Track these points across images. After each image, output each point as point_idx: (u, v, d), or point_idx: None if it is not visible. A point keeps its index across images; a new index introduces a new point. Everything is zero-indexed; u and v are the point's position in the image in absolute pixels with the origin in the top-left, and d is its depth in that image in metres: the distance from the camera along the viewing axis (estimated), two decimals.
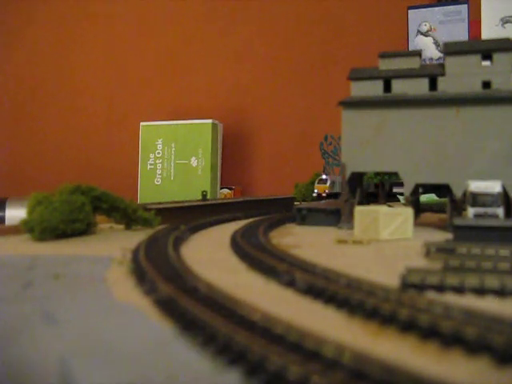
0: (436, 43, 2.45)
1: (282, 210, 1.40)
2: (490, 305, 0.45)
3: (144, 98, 3.29)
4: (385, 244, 0.86)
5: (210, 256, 0.73)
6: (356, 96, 1.10)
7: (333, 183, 1.62)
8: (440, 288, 0.50)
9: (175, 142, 2.81)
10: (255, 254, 0.65)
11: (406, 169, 1.05)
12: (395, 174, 1.14)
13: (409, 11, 2.50)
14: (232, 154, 3.07)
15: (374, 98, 1.08)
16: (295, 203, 1.71)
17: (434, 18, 2.46)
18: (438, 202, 1.69)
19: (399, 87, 1.07)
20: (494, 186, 0.88)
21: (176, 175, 2.81)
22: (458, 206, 1.01)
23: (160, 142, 2.84)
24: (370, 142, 1.08)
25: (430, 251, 0.70)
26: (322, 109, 2.76)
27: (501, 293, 0.49)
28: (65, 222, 0.87)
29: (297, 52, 2.97)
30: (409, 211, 0.93)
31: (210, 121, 2.74)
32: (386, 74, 1.08)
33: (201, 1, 3.19)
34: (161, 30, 3.28)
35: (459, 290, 0.50)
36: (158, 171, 2.85)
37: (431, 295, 0.48)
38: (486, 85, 1.00)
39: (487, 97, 0.99)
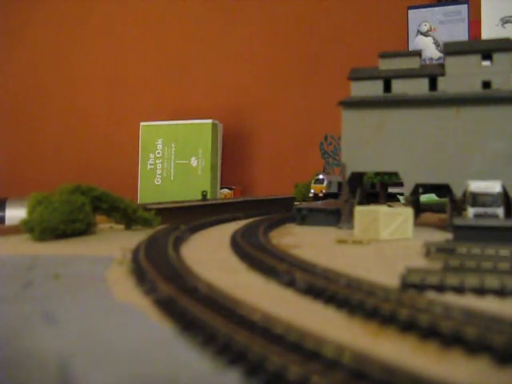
0: (436, 43, 2.45)
1: (282, 210, 1.40)
2: (490, 305, 0.45)
3: (144, 98, 3.29)
4: (385, 244, 0.86)
5: (210, 256, 0.73)
6: (356, 96, 1.10)
7: (329, 183, 1.60)
8: (440, 288, 0.50)
9: (175, 142, 2.81)
10: (255, 253, 0.65)
11: (406, 169, 1.05)
12: (395, 174, 1.14)
13: (409, 11, 2.50)
14: (232, 154, 3.07)
15: (374, 98, 1.08)
16: (295, 203, 1.70)
17: (434, 17, 2.46)
18: (438, 202, 1.69)
19: (399, 87, 1.07)
20: (494, 186, 0.88)
21: (176, 175, 2.81)
22: (458, 206, 1.01)
23: (160, 142, 2.84)
24: (370, 141, 1.08)
25: (430, 251, 0.70)
26: (321, 109, 2.76)
27: (501, 293, 0.49)
28: (65, 222, 0.87)
29: (297, 52, 2.97)
30: (409, 211, 0.93)
31: (210, 121, 2.74)
32: (386, 73, 1.08)
33: (201, 1, 3.19)
34: (161, 29, 3.28)
35: (459, 289, 0.50)
36: (158, 171, 2.85)
37: (431, 295, 0.48)
38: (486, 85, 1.00)
39: (487, 97, 0.99)
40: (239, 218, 1.24)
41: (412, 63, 1.08)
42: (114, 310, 0.44)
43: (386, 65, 1.10)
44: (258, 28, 3.06)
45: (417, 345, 0.36)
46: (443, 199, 1.55)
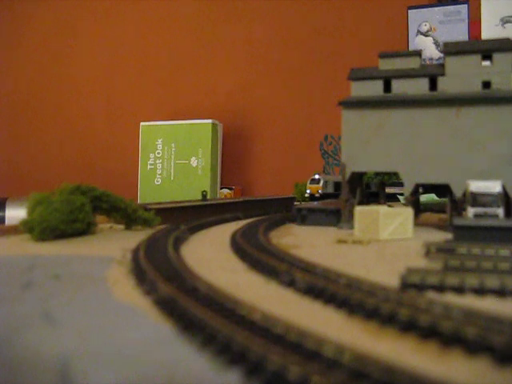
0: (436, 43, 2.45)
1: (282, 210, 1.40)
2: (489, 305, 0.45)
3: (144, 98, 3.29)
4: (385, 244, 0.86)
5: (210, 256, 0.73)
6: (356, 96, 1.10)
7: (326, 183, 1.58)
8: (440, 288, 0.50)
9: (175, 142, 2.81)
10: (255, 253, 0.65)
11: (406, 169, 1.05)
12: (395, 174, 1.14)
13: (409, 11, 2.50)
14: (232, 154, 3.07)
15: (374, 98, 1.08)
16: (295, 203, 1.70)
17: (434, 17, 2.46)
18: (438, 202, 1.69)
19: (399, 87, 1.07)
20: (494, 186, 0.88)
21: (176, 175, 2.81)
22: (458, 206, 1.01)
23: (160, 142, 2.84)
24: (370, 141, 1.08)
25: (430, 251, 0.70)
26: (321, 109, 2.76)
27: (501, 293, 0.49)
28: (65, 221, 0.87)
29: (297, 52, 2.97)
30: (409, 211, 0.93)
31: (209, 121, 2.74)
32: (385, 73, 1.08)
33: (201, 1, 3.19)
34: (161, 29, 3.28)
35: (459, 289, 0.50)
36: (158, 171, 2.85)
37: (431, 295, 0.48)
38: (486, 85, 1.00)
39: (487, 97, 0.99)
40: (239, 218, 1.24)
41: (412, 63, 1.08)
42: (114, 310, 0.44)
43: (386, 65, 1.10)
44: (258, 28, 3.06)
45: (417, 345, 0.36)
46: (443, 199, 1.55)
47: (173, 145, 2.81)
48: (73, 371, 0.30)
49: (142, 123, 2.90)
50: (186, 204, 1.29)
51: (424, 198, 1.77)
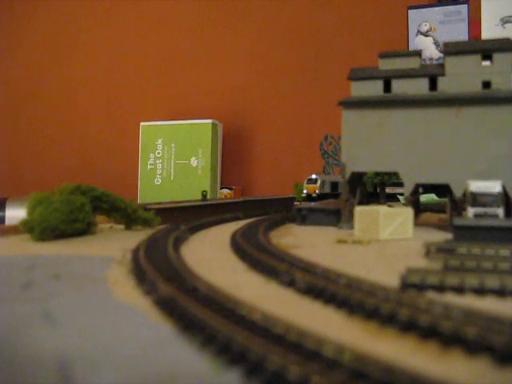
0: (436, 43, 2.45)
1: (282, 210, 1.40)
2: (489, 305, 0.45)
3: (144, 97, 3.29)
4: (385, 244, 0.86)
5: (210, 256, 0.73)
6: (356, 96, 1.10)
7: (323, 183, 1.57)
8: (440, 288, 0.50)
9: (175, 142, 2.81)
10: (255, 253, 0.65)
11: (406, 169, 1.05)
12: (395, 174, 1.14)
13: (409, 11, 2.50)
14: (232, 154, 3.07)
15: (374, 98, 1.08)
16: (295, 203, 1.70)
17: (434, 17, 2.46)
18: (438, 202, 1.69)
19: (399, 87, 1.07)
20: (494, 186, 0.88)
21: (176, 175, 2.81)
22: (458, 206, 1.01)
23: (160, 142, 2.84)
24: (370, 141, 1.08)
25: (430, 251, 0.70)
26: (321, 109, 2.76)
27: (501, 293, 0.49)
28: (65, 222, 0.87)
29: (297, 52, 2.97)
30: (409, 211, 0.93)
31: (209, 121, 2.74)
32: (385, 73, 1.08)
33: (201, 1, 3.19)
34: (161, 29, 3.28)
35: (459, 289, 0.50)
36: (158, 171, 2.85)
37: (431, 295, 0.48)
38: (486, 85, 1.00)
39: (487, 97, 0.99)
40: (239, 218, 1.24)
41: (412, 63, 1.08)
42: (114, 310, 0.44)
43: (386, 65, 1.10)
44: (258, 28, 3.06)
45: (417, 345, 0.36)
46: (443, 199, 1.55)
47: (173, 145, 2.81)
48: (73, 371, 0.30)
49: (141, 123, 2.90)
50: (186, 204, 1.29)
51: (424, 198, 1.77)
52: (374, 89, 1.09)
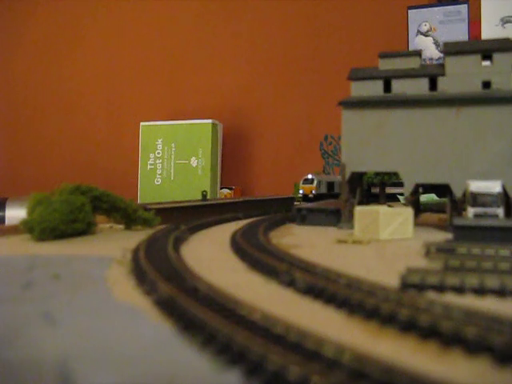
0: (436, 43, 2.45)
1: (282, 210, 1.40)
2: (490, 305, 0.45)
3: (144, 98, 3.29)
4: (385, 244, 0.86)
5: (210, 256, 0.73)
6: (356, 96, 1.10)
7: (319, 183, 1.55)
8: (440, 288, 0.50)
9: (175, 142, 2.81)
10: (255, 253, 0.65)
11: (406, 169, 1.05)
12: (395, 174, 1.14)
13: (409, 11, 2.50)
14: (232, 154, 3.07)
15: (374, 98, 1.08)
16: (295, 203, 1.70)
17: (434, 17, 2.46)
18: (438, 202, 1.69)
19: (399, 87, 1.07)
20: (494, 186, 0.88)
21: (176, 175, 2.81)
22: (458, 206, 1.01)
23: (160, 142, 2.84)
24: (370, 141, 1.08)
25: (430, 251, 0.70)
26: (321, 109, 2.76)
27: (501, 293, 0.49)
28: (65, 222, 0.87)
29: (297, 52, 2.97)
30: (409, 211, 0.93)
31: (209, 121, 2.74)
32: (385, 73, 1.08)
33: (201, 1, 3.19)
34: (161, 29, 3.28)
35: (459, 289, 0.50)
36: (158, 171, 2.85)
37: (431, 295, 0.48)
38: (486, 85, 1.00)
39: (487, 97, 0.99)
40: (239, 218, 1.24)
41: (412, 63, 1.08)
42: (114, 310, 0.44)
43: (385, 65, 1.10)
44: (258, 28, 3.06)
45: (417, 345, 0.36)
46: (443, 199, 1.55)
47: (173, 145, 2.81)
48: (73, 371, 0.30)
49: (141, 123, 2.90)
50: (186, 204, 1.29)
51: (424, 198, 1.77)
52: (374, 89, 1.09)
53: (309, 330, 0.34)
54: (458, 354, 0.34)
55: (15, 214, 2.45)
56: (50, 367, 0.31)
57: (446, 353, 0.34)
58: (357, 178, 1.16)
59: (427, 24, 2.46)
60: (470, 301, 0.47)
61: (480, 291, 0.49)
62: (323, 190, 1.55)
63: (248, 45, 3.08)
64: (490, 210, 0.86)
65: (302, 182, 1.55)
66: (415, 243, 0.82)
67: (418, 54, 1.09)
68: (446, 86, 1.03)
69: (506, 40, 1.01)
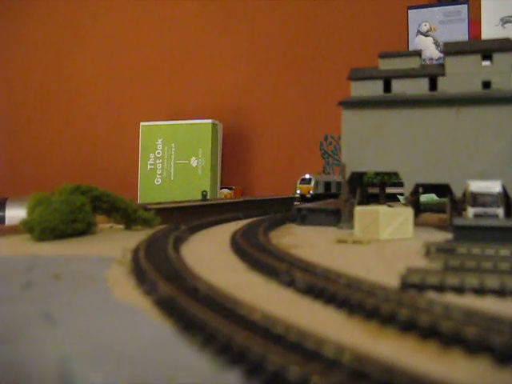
0: (436, 43, 2.45)
1: (282, 210, 1.40)
2: (490, 305, 0.45)
3: (144, 97, 3.29)
4: (385, 244, 0.86)
5: (210, 256, 0.73)
6: (356, 96, 1.10)
7: (317, 183, 1.53)
8: (440, 288, 0.50)
9: (175, 141, 2.81)
10: (255, 253, 0.65)
11: (406, 169, 1.05)
12: (395, 174, 1.14)
13: (409, 11, 2.50)
14: (232, 154, 3.07)
15: (374, 98, 1.08)
16: (295, 203, 1.70)
17: (434, 17, 2.46)
18: (438, 202, 1.69)
19: (399, 87, 1.07)
20: (494, 186, 0.88)
21: (176, 175, 2.81)
22: (458, 206, 1.01)
23: (160, 142, 2.84)
24: (370, 141, 1.08)
25: (430, 251, 0.70)
26: (321, 109, 2.76)
27: (501, 293, 0.49)
28: (65, 222, 0.87)
29: (297, 52, 2.97)
30: (409, 211, 0.93)
31: (209, 121, 2.74)
32: (385, 73, 1.08)
33: (201, 1, 3.19)
34: (161, 29, 3.28)
35: (459, 289, 0.50)
36: (158, 171, 2.85)
37: (431, 295, 0.48)
38: (486, 85, 1.00)
39: (487, 97, 0.99)
40: (239, 218, 1.24)
41: (412, 63, 1.08)
42: (114, 310, 0.44)
43: (385, 65, 1.10)
44: (258, 28, 3.06)
45: (417, 345, 0.36)
46: (443, 199, 1.55)
47: (173, 145, 2.81)
48: (73, 371, 0.30)
49: (141, 123, 2.90)
50: (186, 204, 1.29)
51: (424, 198, 1.77)
52: (374, 89, 1.09)
53: (309, 330, 0.34)
54: (458, 353, 0.34)
55: (15, 213, 2.45)
56: (50, 367, 0.31)
57: (445, 353, 0.34)
58: (357, 178, 1.16)
59: (427, 24, 2.46)
60: (470, 301, 0.47)
61: (480, 291, 0.49)
62: (320, 190, 1.54)
63: (248, 45, 3.08)
64: (490, 210, 0.86)
65: (299, 182, 1.53)
66: (415, 243, 0.82)
67: (418, 53, 1.09)
68: (446, 86, 1.03)
69: (506, 40, 1.01)
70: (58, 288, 0.52)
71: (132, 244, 0.73)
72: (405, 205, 1.06)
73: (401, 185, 1.08)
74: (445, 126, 1.02)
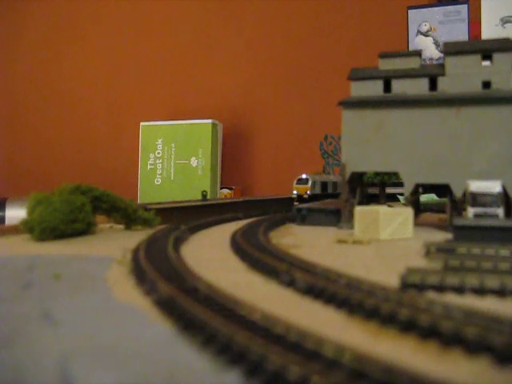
0: (436, 43, 2.45)
1: (282, 210, 1.40)
2: (490, 305, 0.45)
3: (144, 98, 3.29)
4: (385, 244, 0.86)
5: (210, 256, 0.73)
6: (356, 96, 1.10)
7: (314, 183, 1.51)
8: (440, 288, 0.50)
9: (175, 141, 2.81)
10: (255, 253, 0.65)
11: (406, 169, 1.05)
12: (395, 174, 1.14)
13: (409, 11, 2.50)
14: (232, 154, 3.07)
15: (374, 98, 1.08)
16: (295, 203, 1.69)
17: (434, 18, 2.46)
18: (438, 202, 1.69)
19: (399, 87, 1.07)
20: (494, 186, 0.88)
21: (176, 175, 2.81)
22: (458, 206, 1.01)
23: (160, 142, 2.84)
24: (370, 141, 1.08)
25: (429, 251, 0.70)
26: (321, 109, 2.76)
27: (501, 293, 0.49)
28: (65, 222, 0.87)
29: (297, 52, 2.97)
30: (409, 211, 0.93)
31: (209, 121, 2.74)
32: (385, 73, 1.08)
33: (201, 1, 3.19)
34: (161, 30, 3.28)
35: (459, 290, 0.50)
36: (158, 171, 2.85)
37: (431, 295, 0.48)
38: (486, 85, 1.00)
39: (487, 97, 0.99)
40: (239, 218, 1.24)
41: (412, 63, 1.08)
42: (114, 309, 0.44)
43: (386, 65, 1.10)
44: (258, 28, 3.06)
45: (417, 345, 0.36)
46: (443, 199, 1.55)
47: (173, 145, 2.81)
48: (73, 371, 0.30)
49: (141, 123, 2.90)
50: (186, 204, 1.29)
51: (424, 198, 1.77)
52: (374, 89, 1.09)
53: (309, 330, 0.34)
54: (458, 353, 0.34)
55: (15, 213, 2.45)
56: (50, 367, 0.31)
57: (446, 353, 0.34)
58: (357, 178, 1.16)
59: (427, 24, 2.46)
60: (470, 301, 0.47)
61: (480, 291, 0.49)
62: (317, 190, 1.53)
63: (248, 45, 3.08)
64: (490, 210, 0.86)
65: (295, 183, 1.51)
66: (415, 243, 0.82)
67: (418, 54, 1.09)
68: (446, 86, 1.03)
69: (506, 40, 1.01)
70: (57, 288, 0.52)
71: (132, 244, 0.73)
72: (405, 205, 1.06)
73: (401, 185, 1.08)
74: (445, 126, 1.02)
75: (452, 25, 2.42)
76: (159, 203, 1.26)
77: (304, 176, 1.51)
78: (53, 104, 3.49)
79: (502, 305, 0.46)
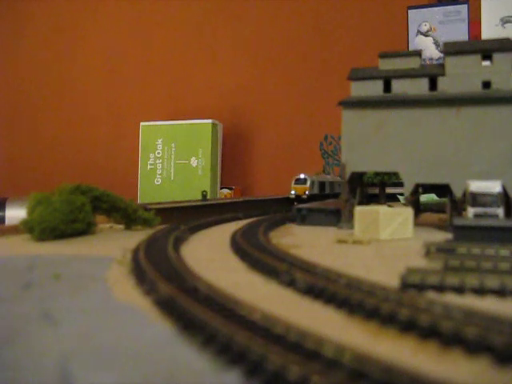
0: (436, 43, 2.45)
1: (282, 210, 1.40)
2: (490, 305, 0.45)
3: (144, 98, 3.29)
4: (385, 244, 0.86)
5: (210, 256, 0.73)
6: (356, 96, 1.10)
7: (312, 183, 1.49)
8: (440, 288, 0.50)
9: (175, 141, 2.81)
10: (255, 253, 0.65)
11: (406, 169, 1.05)
12: (395, 174, 1.14)
13: (409, 11, 2.50)
14: (232, 154, 3.07)
15: (374, 98, 1.08)
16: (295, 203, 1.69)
17: (434, 18, 2.46)
18: (438, 202, 1.69)
19: (399, 87, 1.07)
20: (494, 186, 0.88)
21: (176, 175, 2.81)
22: (458, 206, 1.01)
23: (160, 142, 2.84)
24: (370, 141, 1.08)
25: (429, 251, 0.70)
26: (321, 109, 2.76)
27: (501, 293, 0.49)
28: (65, 222, 0.87)
29: (297, 52, 2.97)
30: (409, 211, 0.93)
31: (209, 121, 2.74)
32: (386, 73, 1.08)
33: (201, 1, 3.19)
34: (161, 29, 3.28)
35: (459, 290, 0.50)
36: (158, 171, 2.85)
37: (431, 295, 0.48)
38: (486, 85, 1.00)
39: (487, 97, 0.99)
40: (239, 218, 1.24)
41: (412, 63, 1.08)
42: (114, 310, 0.44)
43: (386, 65, 1.10)
44: (258, 28, 3.06)
45: (417, 345, 0.36)
46: (443, 199, 1.55)
47: (173, 145, 2.81)
48: (73, 371, 0.30)
49: (141, 123, 2.90)
50: (186, 204, 1.29)
51: (424, 198, 1.77)
52: (374, 89, 1.09)
53: (309, 330, 0.34)
54: (458, 353, 0.34)
55: (15, 213, 2.45)
56: (50, 367, 0.31)
57: (446, 353, 0.34)
58: (357, 178, 1.16)
59: (427, 24, 2.46)
60: (470, 301, 0.47)
61: (480, 291, 0.49)
62: (315, 190, 1.52)
63: (248, 45, 3.08)
64: (489, 210, 0.86)
65: (293, 183, 1.49)
66: (415, 243, 0.82)
67: (418, 53, 1.09)
68: (445, 86, 1.03)
69: (506, 40, 1.01)
70: (57, 288, 0.52)
71: (132, 244, 0.73)
72: (405, 205, 1.06)
73: (401, 185, 1.08)
74: (445, 126, 1.02)
75: (452, 25, 2.42)
76: (159, 203, 1.26)
77: (302, 176, 1.50)
78: (53, 104, 3.49)
79: (502, 305, 0.46)
